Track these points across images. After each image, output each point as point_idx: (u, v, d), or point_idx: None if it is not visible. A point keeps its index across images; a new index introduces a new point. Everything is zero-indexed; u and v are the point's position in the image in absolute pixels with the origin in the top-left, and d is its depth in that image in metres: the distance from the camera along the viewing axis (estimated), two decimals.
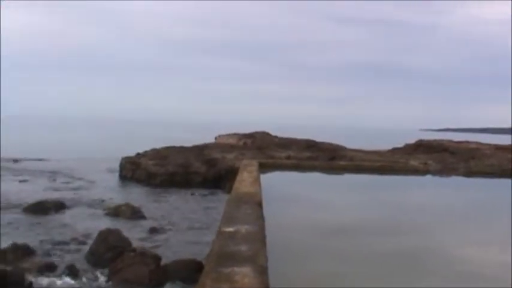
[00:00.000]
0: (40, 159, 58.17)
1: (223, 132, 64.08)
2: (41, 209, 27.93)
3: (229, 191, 25.15)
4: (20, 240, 21.09)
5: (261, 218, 8.74)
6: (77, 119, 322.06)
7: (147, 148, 47.75)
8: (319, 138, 54.20)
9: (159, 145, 48.82)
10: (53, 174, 46.04)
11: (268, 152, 43.83)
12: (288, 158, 39.50)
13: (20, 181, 41.38)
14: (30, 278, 16.06)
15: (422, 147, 48.05)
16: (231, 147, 48.28)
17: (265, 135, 55.99)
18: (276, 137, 55.27)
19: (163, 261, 17.73)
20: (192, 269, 17.06)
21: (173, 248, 21.31)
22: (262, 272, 5.52)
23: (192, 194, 35.87)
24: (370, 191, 17.58)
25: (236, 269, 5.52)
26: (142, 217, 26.72)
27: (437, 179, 21.51)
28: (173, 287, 16.57)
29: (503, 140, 69.14)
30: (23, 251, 18.97)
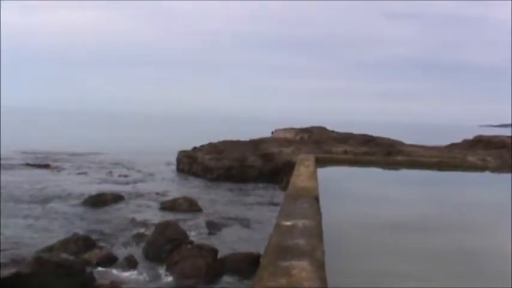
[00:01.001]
0: (99, 153, 59.18)
1: (280, 126, 64.01)
2: (100, 201, 28.45)
3: (285, 186, 25.17)
4: (81, 232, 21.60)
5: (318, 212, 8.75)
6: (134, 114, 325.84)
7: (204, 142, 48.09)
8: (375, 133, 53.77)
9: (215, 139, 49.10)
10: (112, 168, 46.81)
11: (325, 146, 43.64)
12: (345, 152, 39.26)
13: (80, 174, 42.23)
14: (90, 268, 16.36)
15: (481, 143, 47.07)
16: (287, 142, 48.21)
17: (322, 129, 55.75)
18: (332, 131, 55.02)
19: (220, 255, 17.86)
20: (249, 263, 17.14)
21: (229, 242, 21.45)
22: (320, 266, 5.54)
23: (247, 189, 36.00)
24: (427, 187, 17.38)
25: (294, 263, 5.54)
26: (199, 210, 26.95)
27: (496, 176, 21.14)
28: (230, 280, 16.68)
29: None
30: (84, 242, 19.36)
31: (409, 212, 12.35)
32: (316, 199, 9.99)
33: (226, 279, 16.74)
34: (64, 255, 16.03)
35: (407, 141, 49.45)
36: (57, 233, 22.10)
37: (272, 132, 60.84)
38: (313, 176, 13.75)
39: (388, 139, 49.17)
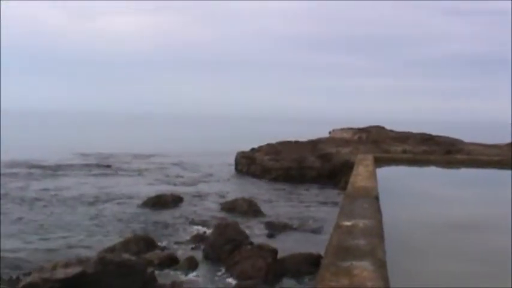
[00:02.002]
0: (159, 155, 59.94)
1: (337, 126, 63.73)
2: (160, 202, 28.82)
3: (344, 186, 25.01)
4: (141, 232, 21.94)
5: (378, 212, 8.70)
6: (191, 116, 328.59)
7: (262, 143, 48.23)
8: (433, 131, 53.07)
9: (272, 140, 49.17)
10: (172, 169, 47.40)
11: (383, 146, 43.31)
12: (404, 152, 38.89)
13: (140, 175, 42.88)
14: (152, 268, 16.57)
15: None
16: (345, 142, 48.01)
17: (380, 129, 55.30)
18: (391, 131, 54.49)
19: (280, 255, 17.88)
20: (309, 263, 17.16)
21: (289, 242, 21.46)
22: (381, 266, 5.51)
23: (306, 189, 35.96)
24: (488, 186, 17.04)
25: (355, 263, 5.53)
26: (258, 211, 27.00)
27: None
28: (290, 280, 16.70)
29: None
30: (145, 243, 19.65)
31: (471, 212, 12.15)
32: (376, 199, 9.93)
33: (287, 279, 16.76)
34: (126, 256, 16.29)
35: (466, 140, 48.65)
36: (119, 234, 22.53)
37: (330, 133, 60.63)
38: (372, 175, 13.66)
39: (448, 138, 48.48)
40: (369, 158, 19.02)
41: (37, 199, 30.84)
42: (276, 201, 31.12)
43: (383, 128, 55.98)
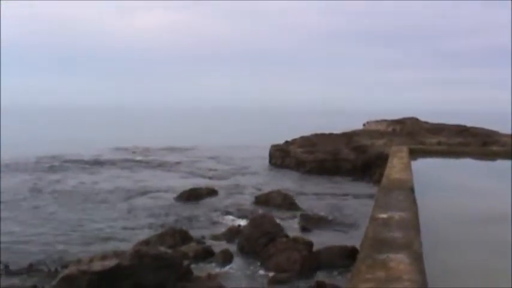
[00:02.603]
0: (194, 148, 60.22)
1: (371, 118, 63.37)
2: (195, 195, 28.96)
3: (378, 178, 24.83)
4: (176, 225, 22.06)
5: (414, 204, 8.64)
6: (228, 109, 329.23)
7: (295, 136, 48.12)
8: (468, 123, 52.50)
9: (306, 133, 49.03)
10: (206, 162, 47.60)
11: (418, 137, 42.97)
12: (439, 143, 38.52)
13: (176, 168, 43.12)
14: (187, 261, 16.65)
15: None
16: (380, 134, 47.72)
17: (414, 121, 54.84)
18: (425, 122, 54.00)
19: (315, 248, 17.85)
20: (344, 256, 17.10)
21: (324, 235, 21.42)
22: (418, 259, 5.47)
23: (340, 181, 35.84)
24: None
25: (391, 256, 5.50)
26: (293, 204, 26.94)
27: None
28: (325, 273, 16.66)
29: None
30: (181, 236, 19.74)
31: (507, 205, 12.01)
32: (412, 191, 9.87)
33: (322, 272, 16.72)
34: (162, 248, 16.40)
35: (502, 131, 47.96)
36: (154, 227, 22.70)
37: (364, 125, 60.33)
38: (407, 167, 13.57)
39: (483, 129, 47.86)
40: (404, 150, 18.90)
41: (73, 193, 31.25)
42: (310, 194, 31.04)
43: (417, 119, 55.51)
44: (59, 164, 44.37)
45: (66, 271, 14.96)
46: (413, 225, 7.04)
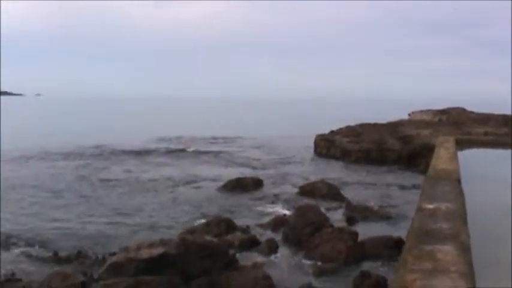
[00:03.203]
0: (238, 138, 60.42)
1: (417, 108, 62.86)
2: (240, 185, 29.07)
3: (424, 168, 24.61)
4: (221, 214, 22.20)
5: (461, 195, 8.59)
6: (273, 99, 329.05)
7: (340, 126, 47.98)
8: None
9: (351, 123, 48.86)
10: (250, 152, 47.70)
11: (464, 128, 42.46)
12: (486, 134, 38.01)
13: (220, 158, 43.33)
14: (233, 250, 16.77)
15: None
16: (425, 124, 47.32)
17: (460, 111, 54.33)
18: (472, 112, 53.45)
19: (360, 238, 17.80)
20: (390, 246, 17.02)
21: (369, 225, 21.34)
22: (465, 250, 5.46)
23: (386, 171, 35.62)
24: None
25: (438, 247, 5.50)
26: (338, 194, 26.83)
27: None
28: (370, 263, 16.60)
29: None
30: (226, 225, 19.87)
31: None
32: (458, 181, 9.81)
33: (367, 262, 16.67)
34: (207, 237, 16.55)
35: None
36: (199, 216, 22.89)
37: (409, 115, 59.92)
38: (454, 158, 13.47)
39: None
40: (450, 140, 18.73)
41: (119, 181, 31.69)
42: (355, 184, 30.94)
43: (463, 109, 54.98)
44: (104, 153, 45.05)
45: (113, 258, 15.24)
46: (461, 216, 7.01)
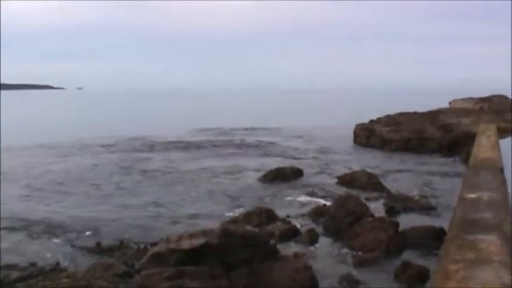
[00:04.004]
0: (278, 128, 60.40)
1: (457, 96, 62.11)
2: (280, 175, 29.08)
3: (465, 157, 24.33)
4: (262, 204, 22.25)
5: (504, 184, 8.51)
6: (313, 89, 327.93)
7: (379, 115, 47.69)
8: None
9: (391, 112, 48.52)
10: (291, 142, 47.67)
11: (506, 116, 41.82)
12: None
13: (260, 148, 43.39)
14: (274, 240, 16.81)
15: None
16: (466, 112, 46.74)
17: (502, 98, 53.47)
18: None
19: (401, 228, 17.70)
20: (431, 236, 16.89)
21: (410, 215, 21.18)
22: (508, 240, 5.42)
23: (426, 161, 35.31)
24: None
25: (480, 237, 5.47)
26: (378, 183, 26.66)
27: None
28: (412, 253, 16.50)
29: None
30: (267, 215, 19.91)
31: None
32: (501, 170, 9.71)
33: (408, 252, 16.57)
34: (248, 227, 16.61)
35: None
36: (240, 206, 23.00)
37: (450, 103, 59.24)
38: (496, 146, 13.34)
39: None
40: (492, 129, 18.53)
41: (160, 172, 31.98)
42: (396, 173, 30.74)
43: (506, 97, 54.09)
44: (145, 145, 45.56)
45: (155, 249, 15.39)
46: (504, 205, 6.94)
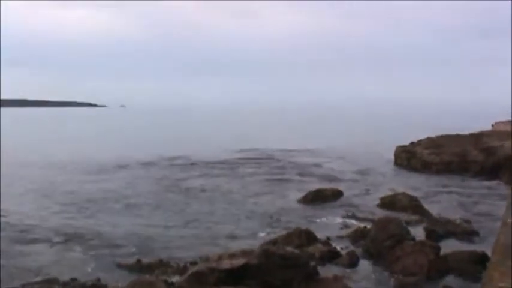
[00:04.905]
0: (315, 150, 60.10)
1: (500, 119, 61.38)
2: (319, 196, 29.03)
3: (509, 180, 24.02)
4: (302, 226, 22.20)
5: None
6: (346, 107, 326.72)
7: (420, 137, 47.32)
8: None
9: (431, 134, 48.09)
10: (332, 163, 47.42)
11: None
12: None
13: (300, 169, 43.30)
14: (314, 262, 16.77)
15: None
16: (508, 135, 46.08)
17: None
18: None
19: (443, 251, 17.51)
20: (473, 261, 16.71)
21: (452, 238, 21.00)
22: None
23: (469, 184, 34.90)
24: None
25: None
26: (419, 206, 26.34)
27: None
28: (453, 278, 16.31)
29: None
30: (307, 236, 19.89)
31: None
32: None
33: (450, 277, 16.39)
34: (289, 248, 16.62)
35: None
36: (280, 227, 23.04)
37: (492, 125, 58.57)
38: None
39: None
40: None
41: (200, 190, 32.24)
42: (437, 196, 30.44)
43: None
44: (185, 163, 46.05)
45: (195, 268, 15.52)
46: None
